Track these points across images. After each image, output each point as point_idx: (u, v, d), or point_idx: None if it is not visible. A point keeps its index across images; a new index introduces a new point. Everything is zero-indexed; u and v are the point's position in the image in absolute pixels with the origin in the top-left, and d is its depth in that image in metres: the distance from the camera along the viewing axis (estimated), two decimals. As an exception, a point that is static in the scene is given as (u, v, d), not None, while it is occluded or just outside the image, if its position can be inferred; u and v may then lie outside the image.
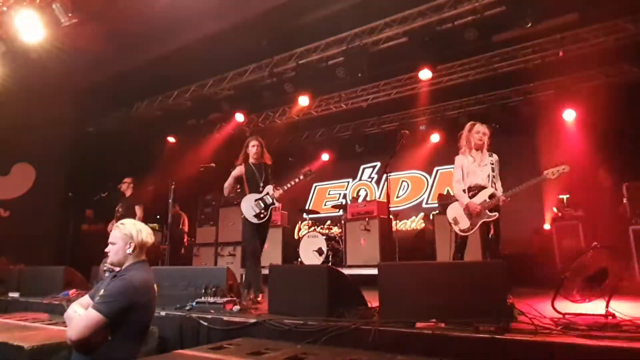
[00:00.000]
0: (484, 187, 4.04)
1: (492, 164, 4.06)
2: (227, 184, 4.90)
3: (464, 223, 4.06)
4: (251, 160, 4.84)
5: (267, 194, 4.70)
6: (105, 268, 4.76)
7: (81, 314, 2.36)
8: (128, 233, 2.54)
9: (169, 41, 6.98)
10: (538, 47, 6.88)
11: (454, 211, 4.19)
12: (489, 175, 4.03)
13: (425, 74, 6.89)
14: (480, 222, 3.97)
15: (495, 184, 4.04)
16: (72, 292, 4.91)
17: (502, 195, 3.94)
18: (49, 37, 5.38)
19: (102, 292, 2.39)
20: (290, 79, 7.53)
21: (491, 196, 3.97)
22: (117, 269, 2.55)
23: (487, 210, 3.95)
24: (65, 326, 2.51)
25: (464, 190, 4.12)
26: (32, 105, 7.49)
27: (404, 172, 9.71)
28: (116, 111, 9.31)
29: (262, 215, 4.66)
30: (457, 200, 4.22)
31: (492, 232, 3.95)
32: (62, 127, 8.35)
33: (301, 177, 4.77)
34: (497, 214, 3.95)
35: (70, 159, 8.68)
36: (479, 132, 4.12)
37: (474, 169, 4.10)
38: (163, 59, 7.08)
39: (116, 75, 7.57)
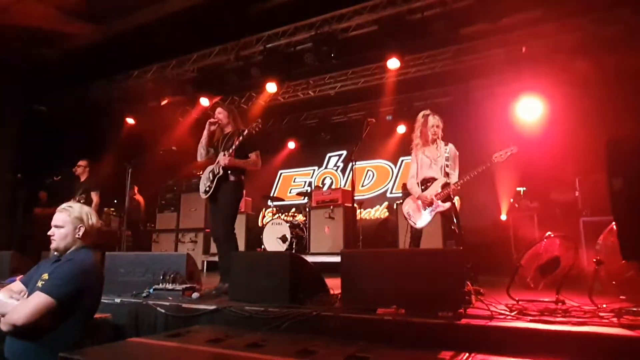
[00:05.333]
0: (436, 179, 4.09)
1: (447, 155, 4.09)
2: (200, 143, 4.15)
3: (416, 217, 4.14)
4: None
5: (217, 162, 4.03)
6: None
7: (19, 299, 2.23)
8: (78, 216, 2.43)
9: (130, 17, 6.67)
10: (502, 42, 7.02)
11: (409, 206, 4.26)
12: (442, 167, 4.07)
13: (393, 63, 6.90)
14: (433, 213, 4.05)
15: (449, 174, 4.05)
16: (19, 278, 4.63)
17: (453, 184, 3.97)
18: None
19: (45, 275, 2.26)
20: (257, 63, 7.36)
21: (444, 186, 4.03)
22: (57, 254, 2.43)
23: (439, 201, 4.00)
24: None
25: (417, 184, 4.18)
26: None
27: (369, 161, 9.77)
28: (71, 89, 8.81)
29: (207, 189, 4.07)
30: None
31: (454, 221, 3.98)
32: (6, 104, 7.82)
33: (245, 133, 3.91)
34: (449, 204, 3.99)
35: (19, 139, 8.17)
36: (433, 125, 4.15)
37: (428, 162, 4.16)
38: (124, 36, 6.76)
39: (71, 51, 7.16)
